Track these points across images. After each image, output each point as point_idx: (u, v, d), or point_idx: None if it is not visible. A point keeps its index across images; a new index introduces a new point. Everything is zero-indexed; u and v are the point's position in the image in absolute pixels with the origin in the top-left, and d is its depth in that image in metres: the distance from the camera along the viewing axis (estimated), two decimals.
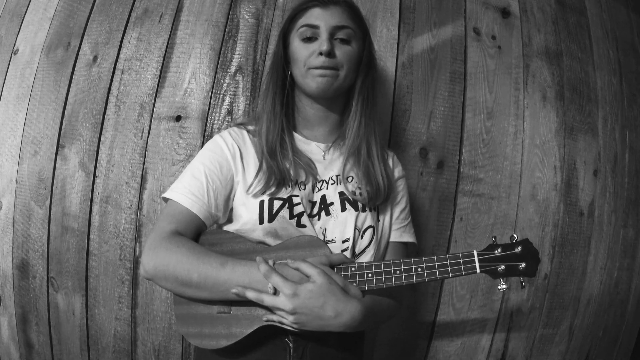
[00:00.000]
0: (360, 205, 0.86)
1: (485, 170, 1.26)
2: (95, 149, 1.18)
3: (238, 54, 1.18)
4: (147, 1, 1.22)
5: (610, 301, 1.44)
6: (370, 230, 0.86)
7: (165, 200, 0.84)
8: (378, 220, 0.89)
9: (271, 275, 0.72)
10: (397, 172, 0.97)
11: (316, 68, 0.83)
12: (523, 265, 0.73)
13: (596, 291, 1.40)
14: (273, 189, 0.81)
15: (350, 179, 0.88)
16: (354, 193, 0.86)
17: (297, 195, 0.83)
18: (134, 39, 1.20)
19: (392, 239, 0.92)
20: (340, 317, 0.71)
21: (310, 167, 0.87)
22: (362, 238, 0.85)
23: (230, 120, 1.16)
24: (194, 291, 0.76)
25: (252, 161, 0.86)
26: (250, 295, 0.72)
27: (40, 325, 1.24)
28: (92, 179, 1.18)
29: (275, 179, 0.82)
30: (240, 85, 1.17)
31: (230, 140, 0.87)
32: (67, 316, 1.21)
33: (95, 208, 1.18)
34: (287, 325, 0.73)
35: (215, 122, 1.16)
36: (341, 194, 0.87)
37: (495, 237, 0.76)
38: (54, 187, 1.21)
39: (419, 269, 0.74)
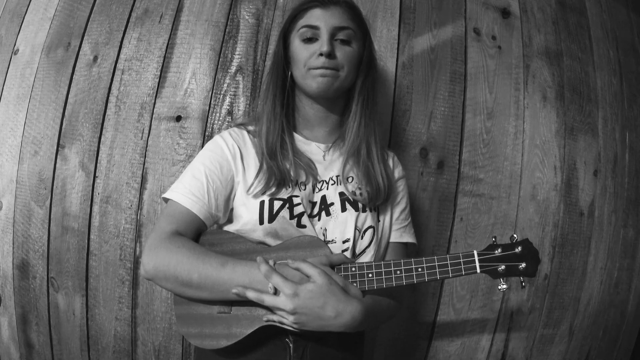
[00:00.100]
0: (360, 205, 0.86)
1: (485, 170, 1.26)
2: (96, 149, 1.19)
3: (238, 54, 1.18)
4: (147, 1, 1.22)
5: (610, 301, 1.44)
6: (370, 231, 0.86)
7: (166, 200, 0.84)
8: (378, 221, 0.89)
9: (271, 276, 0.72)
10: (397, 172, 0.97)
11: (316, 68, 0.83)
12: (523, 265, 0.73)
13: (596, 291, 1.40)
14: (273, 190, 0.82)
15: (350, 179, 0.88)
16: (354, 193, 0.86)
17: (297, 196, 0.83)
18: (134, 39, 1.20)
19: (392, 239, 0.92)
20: (341, 317, 0.71)
21: (310, 168, 0.87)
22: (362, 238, 0.85)
23: (230, 120, 1.16)
24: (194, 291, 0.76)
25: (253, 161, 0.86)
26: (251, 295, 0.72)
27: (40, 325, 1.24)
28: (92, 179, 1.18)
29: (275, 180, 0.82)
30: (241, 86, 1.17)
31: (231, 141, 0.87)
32: (67, 316, 1.21)
33: (96, 208, 1.18)
34: (288, 326, 0.73)
35: (216, 122, 1.16)
36: (341, 194, 0.87)
37: (495, 237, 0.76)
38: (54, 187, 1.21)
39: (419, 269, 0.74)
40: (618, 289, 1.46)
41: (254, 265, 0.74)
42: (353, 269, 0.77)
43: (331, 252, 0.79)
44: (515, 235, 0.76)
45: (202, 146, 1.08)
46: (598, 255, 1.40)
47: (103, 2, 1.25)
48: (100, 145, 1.18)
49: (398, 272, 0.75)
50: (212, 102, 1.16)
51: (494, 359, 1.29)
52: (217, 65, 1.17)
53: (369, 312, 0.75)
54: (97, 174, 1.18)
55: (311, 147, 0.91)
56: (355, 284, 0.76)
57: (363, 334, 0.90)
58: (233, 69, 1.17)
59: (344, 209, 0.85)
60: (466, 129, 1.25)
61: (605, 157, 1.40)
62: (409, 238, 0.94)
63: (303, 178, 0.86)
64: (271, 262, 0.75)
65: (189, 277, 0.74)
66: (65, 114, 1.22)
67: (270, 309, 0.74)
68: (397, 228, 0.92)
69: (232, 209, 0.86)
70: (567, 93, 1.36)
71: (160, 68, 1.18)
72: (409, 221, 0.96)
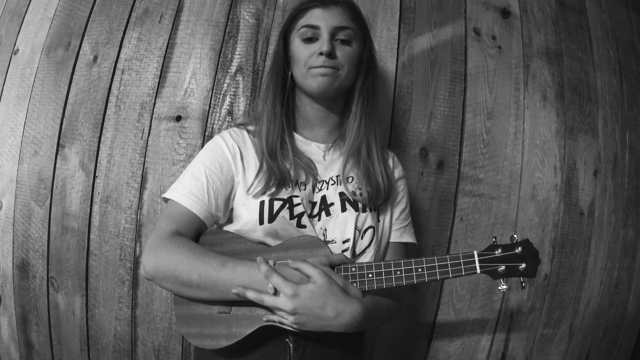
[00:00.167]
0: (360, 205, 0.86)
1: (485, 170, 1.26)
2: (96, 149, 1.18)
3: (238, 54, 1.18)
4: (147, 1, 1.22)
5: (610, 301, 1.44)
6: (370, 231, 0.86)
7: (166, 200, 0.84)
8: (378, 221, 0.89)
9: (271, 276, 0.72)
10: (397, 172, 0.97)
11: (317, 67, 0.82)
12: (523, 265, 0.73)
13: (596, 291, 1.40)
14: (273, 190, 0.82)
15: (350, 179, 0.88)
16: (354, 193, 0.86)
17: (297, 196, 0.83)
18: (134, 39, 1.20)
19: (392, 240, 0.92)
20: (341, 318, 0.71)
21: (310, 168, 0.87)
22: (362, 238, 0.85)
23: (230, 120, 1.16)
24: (194, 291, 0.76)
25: (253, 161, 0.86)
26: (251, 295, 0.72)
27: (40, 325, 1.24)
28: (92, 179, 1.18)
29: (275, 180, 0.82)
30: (241, 86, 1.17)
31: (231, 141, 0.87)
32: (67, 316, 1.21)
33: (96, 208, 1.18)
34: (288, 326, 0.73)
35: (216, 122, 1.16)
36: (341, 194, 0.87)
37: (495, 238, 0.76)
38: (54, 187, 1.21)
39: (419, 270, 0.74)
40: (618, 289, 1.46)
41: (254, 266, 0.74)
42: (353, 269, 0.76)
43: (331, 252, 0.79)
44: (515, 236, 0.76)
45: (202, 146, 1.08)
46: (598, 255, 1.40)
47: (103, 2, 1.24)
48: (100, 145, 1.18)
49: (398, 272, 0.75)
50: (212, 102, 1.16)
51: (494, 359, 1.29)
52: (217, 65, 1.17)
53: (369, 313, 0.75)
54: (97, 174, 1.18)
55: (311, 147, 0.91)
56: (355, 284, 0.76)
57: (363, 334, 0.90)
58: (233, 69, 1.17)
59: (344, 209, 0.85)
60: (466, 129, 1.25)
61: (605, 157, 1.40)
62: (409, 238, 0.94)
63: (303, 178, 0.86)
64: (271, 262, 0.75)
65: (189, 277, 0.74)
66: (65, 113, 1.22)
67: (270, 309, 0.74)
68: (397, 228, 0.92)
69: (232, 209, 0.86)
70: (567, 93, 1.36)
71: (160, 68, 1.18)
72: (409, 221, 0.96)
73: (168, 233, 0.78)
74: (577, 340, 1.39)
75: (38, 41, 1.28)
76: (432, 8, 1.26)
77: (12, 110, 1.27)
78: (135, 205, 1.16)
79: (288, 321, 0.72)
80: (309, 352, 0.79)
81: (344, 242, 0.83)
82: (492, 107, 1.28)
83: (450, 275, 0.73)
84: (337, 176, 0.89)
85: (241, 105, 1.17)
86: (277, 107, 0.88)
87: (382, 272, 0.75)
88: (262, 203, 0.81)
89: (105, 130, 1.19)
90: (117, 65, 1.20)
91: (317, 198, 0.86)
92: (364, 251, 0.85)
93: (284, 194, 0.82)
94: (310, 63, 0.83)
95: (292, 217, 0.81)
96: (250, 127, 0.92)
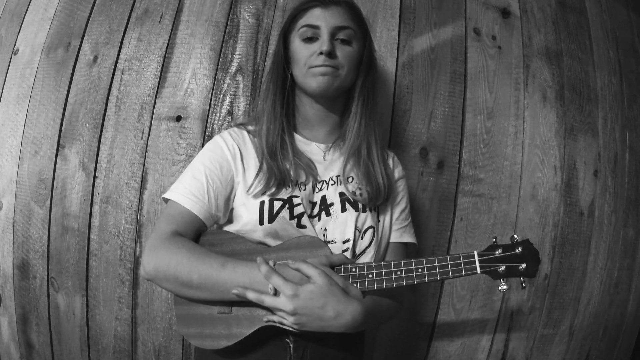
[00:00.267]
0: (360, 205, 0.86)
1: (485, 170, 1.26)
2: (96, 149, 1.18)
3: (238, 54, 1.18)
4: (147, 1, 1.22)
5: (610, 301, 1.44)
6: (370, 231, 0.86)
7: (166, 200, 0.84)
8: (378, 221, 0.89)
9: (272, 276, 0.72)
10: (398, 172, 0.97)
11: (317, 67, 0.82)
12: (523, 266, 0.73)
13: (596, 291, 1.40)
14: (273, 190, 0.81)
15: (350, 179, 0.88)
16: (354, 193, 0.86)
17: (297, 196, 0.83)
18: (134, 39, 1.20)
19: (392, 240, 0.92)
20: (341, 318, 0.71)
21: (310, 168, 0.87)
22: (362, 238, 0.85)
23: (230, 120, 1.16)
24: (194, 292, 0.76)
25: (253, 162, 0.86)
26: (251, 296, 0.72)
27: (40, 325, 1.24)
28: (92, 179, 1.18)
29: (275, 180, 0.82)
30: (241, 86, 1.17)
31: (231, 141, 0.87)
32: (68, 316, 1.21)
33: (96, 208, 1.18)
34: (288, 326, 0.73)
35: (216, 122, 1.16)
36: (341, 194, 0.87)
37: (495, 238, 0.76)
38: (54, 187, 1.21)
39: (420, 270, 0.74)
40: (618, 289, 1.46)
41: (254, 266, 0.74)
42: (353, 269, 0.76)
43: (331, 253, 0.79)
44: (515, 236, 0.76)
45: (202, 146, 1.08)
46: (598, 255, 1.40)
47: (103, 2, 1.24)
48: (100, 145, 1.18)
49: (398, 272, 0.75)
50: (212, 102, 1.16)
51: (494, 359, 1.29)
52: (217, 65, 1.17)
53: (369, 313, 0.75)
54: (97, 174, 1.18)
55: (311, 147, 0.91)
56: (355, 285, 0.76)
57: (363, 335, 0.90)
58: (233, 69, 1.17)
59: (344, 209, 0.85)
60: (466, 129, 1.25)
61: (605, 157, 1.40)
62: (409, 238, 0.94)
63: (303, 178, 0.86)
64: (271, 263, 0.75)
65: (189, 277, 0.74)
66: (65, 114, 1.22)
67: (270, 310, 0.74)
68: (397, 228, 0.92)
69: (232, 209, 0.86)
70: (567, 93, 1.36)
71: (160, 68, 1.18)
72: (409, 221, 0.96)
73: (168, 233, 0.78)
74: (577, 340, 1.39)
75: (38, 41, 1.28)
76: (432, 8, 1.26)
77: (12, 110, 1.27)
78: (135, 205, 1.16)
79: (288, 322, 0.72)
80: (309, 352, 0.79)
81: (344, 242, 0.83)
82: (492, 107, 1.28)
83: (451, 276, 0.73)
84: (337, 176, 0.89)
85: (241, 105, 1.17)
86: (277, 107, 0.88)
87: (382, 272, 0.75)
88: (262, 203, 0.81)
89: (105, 130, 1.19)
90: (117, 65, 1.20)
91: (317, 198, 0.86)
92: (364, 251, 0.85)
93: (284, 194, 0.82)
94: (310, 63, 0.83)
95: (292, 217, 0.81)
96: (250, 127, 0.92)
